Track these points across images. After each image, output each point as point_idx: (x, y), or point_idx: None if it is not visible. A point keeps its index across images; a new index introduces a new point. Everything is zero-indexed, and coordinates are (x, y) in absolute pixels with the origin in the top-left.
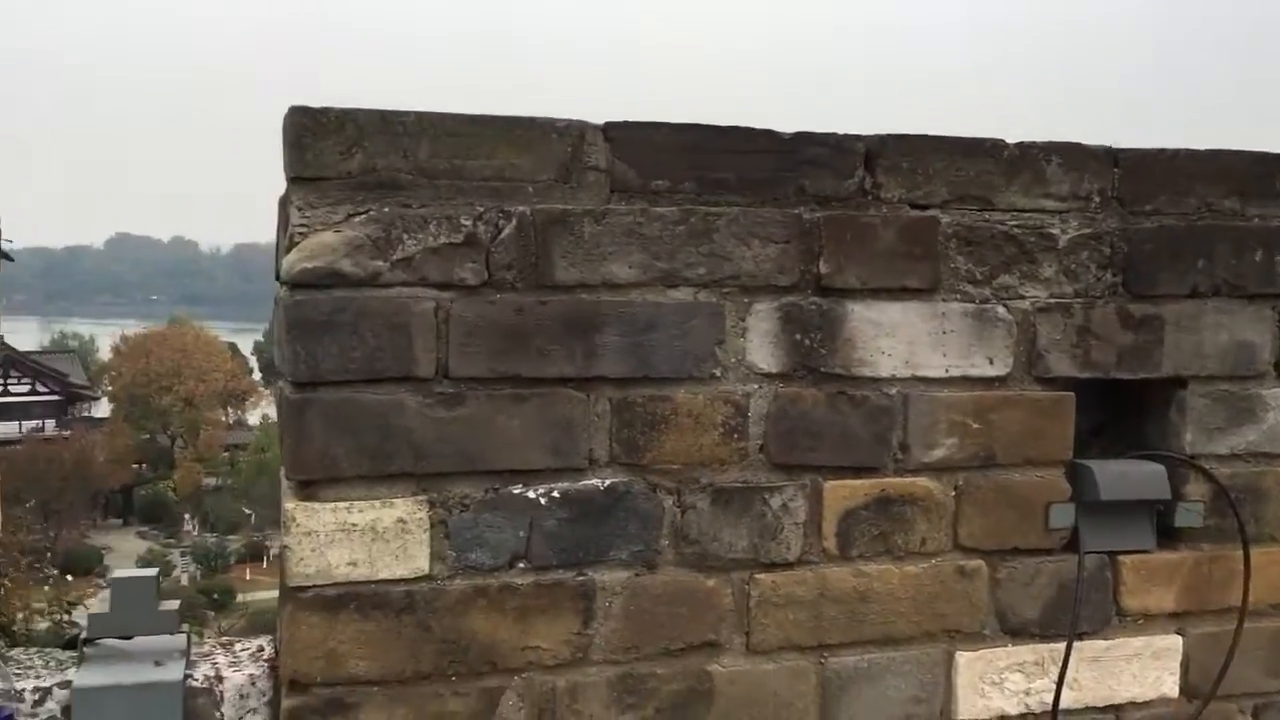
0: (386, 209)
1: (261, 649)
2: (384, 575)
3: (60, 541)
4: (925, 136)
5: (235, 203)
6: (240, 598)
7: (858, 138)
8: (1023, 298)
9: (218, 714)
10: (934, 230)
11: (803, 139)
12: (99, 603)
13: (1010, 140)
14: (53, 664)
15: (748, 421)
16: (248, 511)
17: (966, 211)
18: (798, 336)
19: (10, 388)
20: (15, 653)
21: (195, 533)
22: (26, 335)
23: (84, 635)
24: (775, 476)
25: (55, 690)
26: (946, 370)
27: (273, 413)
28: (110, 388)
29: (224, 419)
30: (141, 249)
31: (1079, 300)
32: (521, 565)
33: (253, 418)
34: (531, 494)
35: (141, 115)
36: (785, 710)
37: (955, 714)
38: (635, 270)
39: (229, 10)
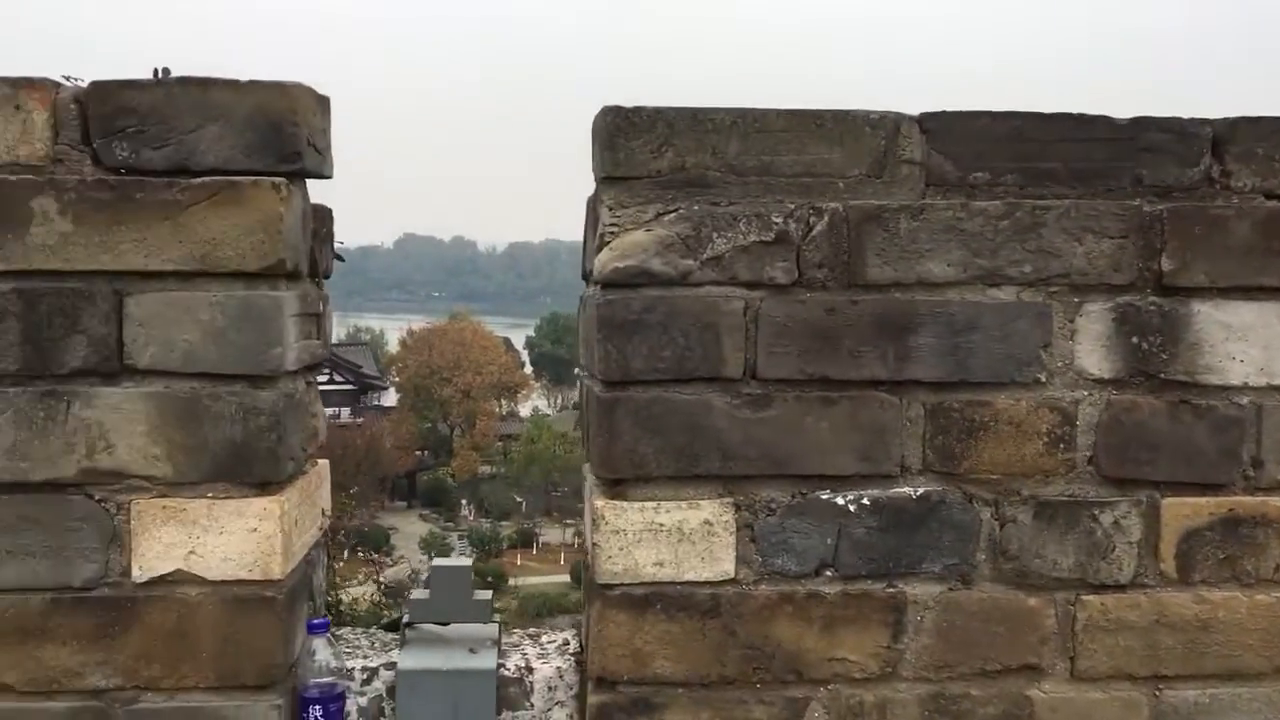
0: (696, 207)
1: (567, 642)
2: (690, 577)
3: (354, 520)
4: None
5: (510, 204)
6: (511, 581)
7: (1204, 122)
8: None
9: (528, 704)
10: None
11: (1141, 124)
12: (418, 589)
13: None
14: (378, 645)
15: (1076, 431)
16: (519, 499)
17: None
18: (1134, 339)
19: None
20: (344, 632)
21: (471, 517)
22: None
23: (406, 619)
24: (1106, 491)
25: (381, 671)
26: None
27: (543, 405)
28: (397, 378)
29: (498, 410)
30: (425, 248)
31: None
32: (829, 573)
33: (524, 409)
34: (840, 500)
35: (423, 123)
36: None
37: None
38: (954, 268)
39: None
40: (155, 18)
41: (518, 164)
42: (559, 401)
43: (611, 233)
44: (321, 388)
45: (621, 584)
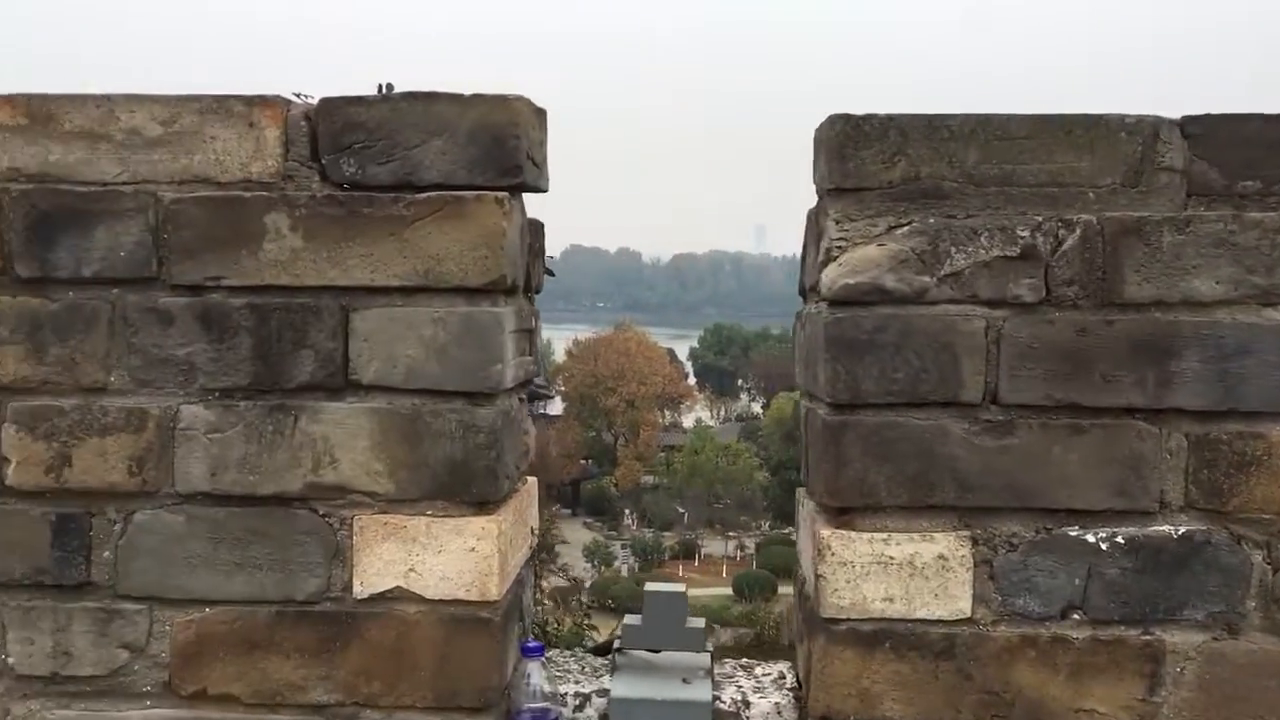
0: (932, 220)
1: (783, 676)
2: (922, 614)
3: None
4: None
5: (675, 216)
6: None
7: None
8: None
9: None
10: None
11: None
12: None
13: None
14: (588, 670)
15: None
16: (681, 510)
17: None
18: None
19: None
20: (553, 654)
21: (634, 527)
22: None
23: (618, 644)
24: None
25: (594, 697)
26: None
27: (706, 416)
28: (563, 388)
29: (661, 420)
30: (591, 259)
31: None
32: (1076, 616)
33: (687, 420)
34: (1090, 537)
35: (590, 136)
36: None
37: None
38: (1224, 286)
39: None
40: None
41: (683, 176)
42: (722, 413)
43: (839, 247)
44: None
45: (848, 619)
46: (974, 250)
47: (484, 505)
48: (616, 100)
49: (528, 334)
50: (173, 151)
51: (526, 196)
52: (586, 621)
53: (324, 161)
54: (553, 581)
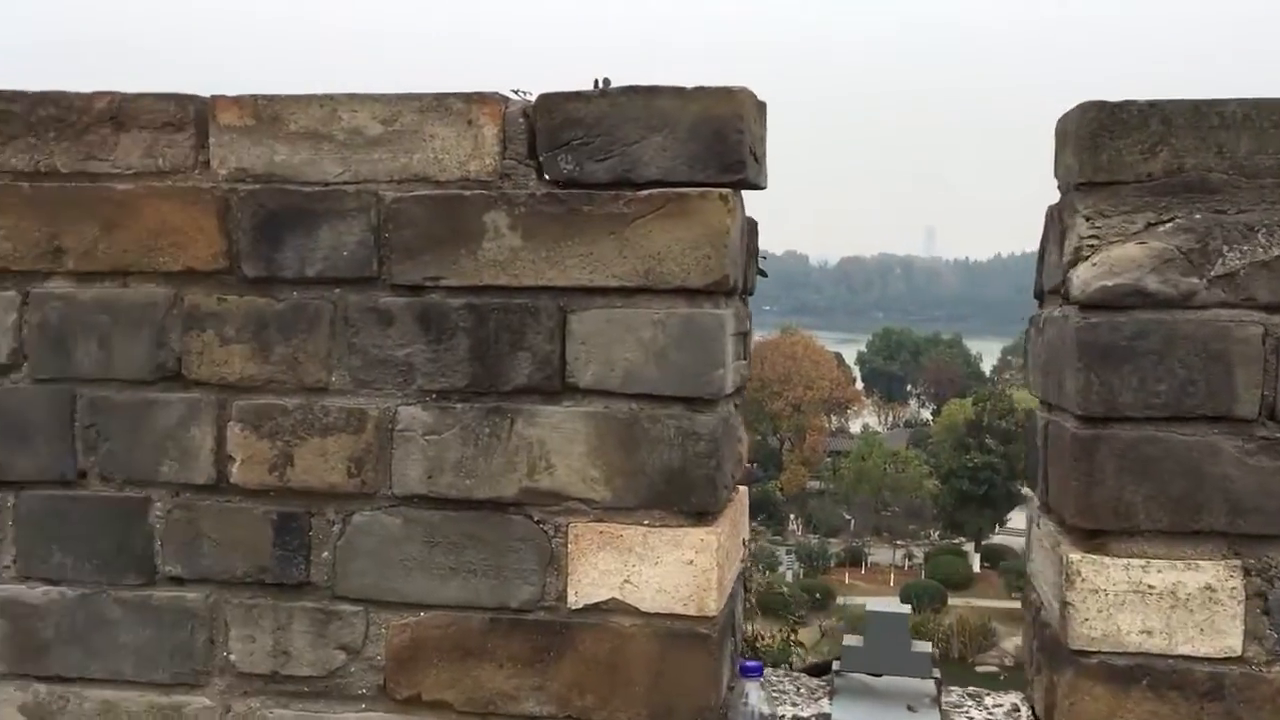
0: (1198, 215)
1: (1016, 709)
2: (1184, 650)
3: None
4: None
5: (842, 218)
6: (839, 600)
7: None
8: None
9: None
10: None
11: None
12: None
13: None
14: (804, 691)
15: None
16: (847, 517)
17: None
18: None
19: None
20: (767, 674)
21: (798, 532)
22: None
23: (836, 666)
24: None
25: None
26: None
27: (873, 422)
28: None
29: (827, 425)
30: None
31: None
32: None
33: (854, 426)
34: None
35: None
36: None
37: None
38: None
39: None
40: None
41: (850, 178)
42: (890, 419)
43: (1091, 246)
44: None
45: (1100, 652)
46: (1250, 249)
47: (702, 516)
48: (784, 100)
49: (744, 337)
50: (392, 150)
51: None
52: (793, 636)
53: (541, 159)
54: None
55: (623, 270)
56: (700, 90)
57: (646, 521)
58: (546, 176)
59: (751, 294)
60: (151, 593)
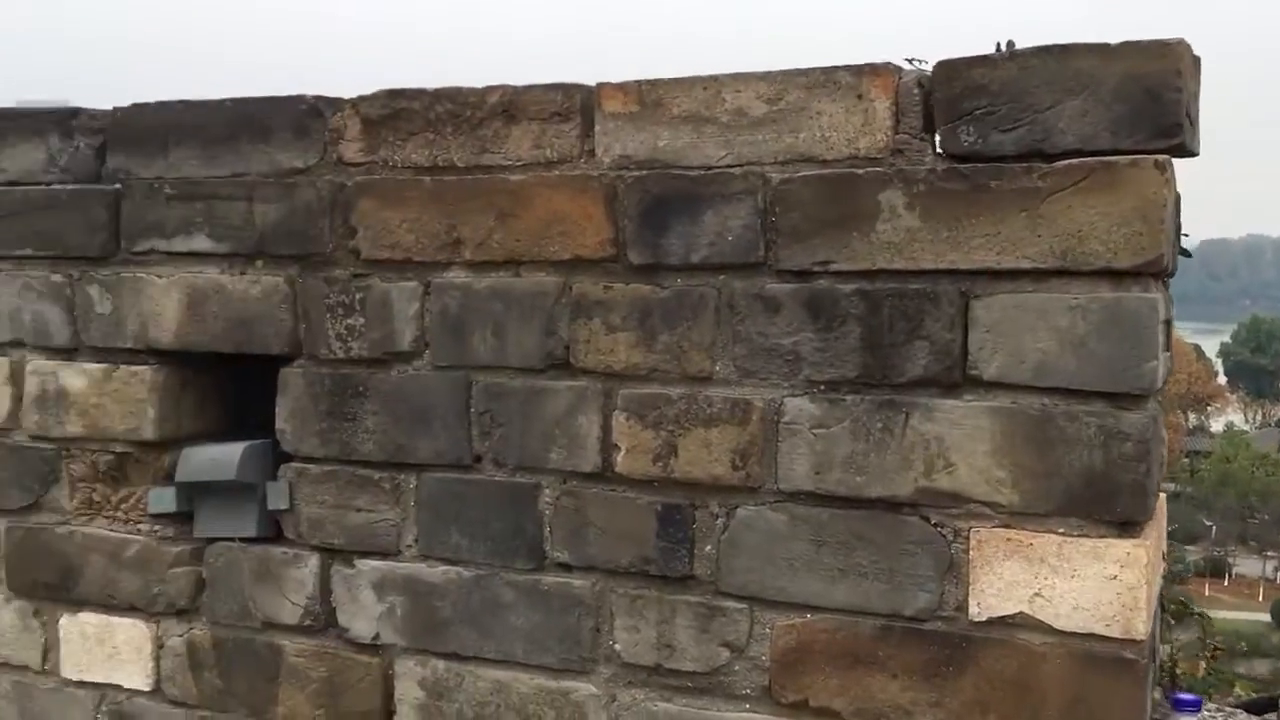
0: None
1: None
2: None
3: None
4: None
5: (1205, 197)
6: (1196, 612)
7: None
8: None
9: None
10: None
11: None
12: None
13: None
14: None
15: None
16: (1208, 523)
17: None
18: None
19: None
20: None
21: None
22: None
23: None
24: None
25: None
26: None
27: (1238, 420)
28: None
29: (1184, 423)
30: None
31: None
32: None
33: (1215, 424)
34: None
35: None
36: None
37: None
38: None
39: None
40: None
41: (1216, 152)
42: (1259, 417)
43: None
44: None
45: None
46: None
47: (1128, 526)
48: None
49: (1168, 325)
50: (777, 130)
51: None
52: (1213, 663)
53: (939, 132)
54: None
55: (1035, 250)
56: (1128, 45)
57: (1061, 530)
58: (943, 151)
59: (1171, 275)
60: (541, 578)
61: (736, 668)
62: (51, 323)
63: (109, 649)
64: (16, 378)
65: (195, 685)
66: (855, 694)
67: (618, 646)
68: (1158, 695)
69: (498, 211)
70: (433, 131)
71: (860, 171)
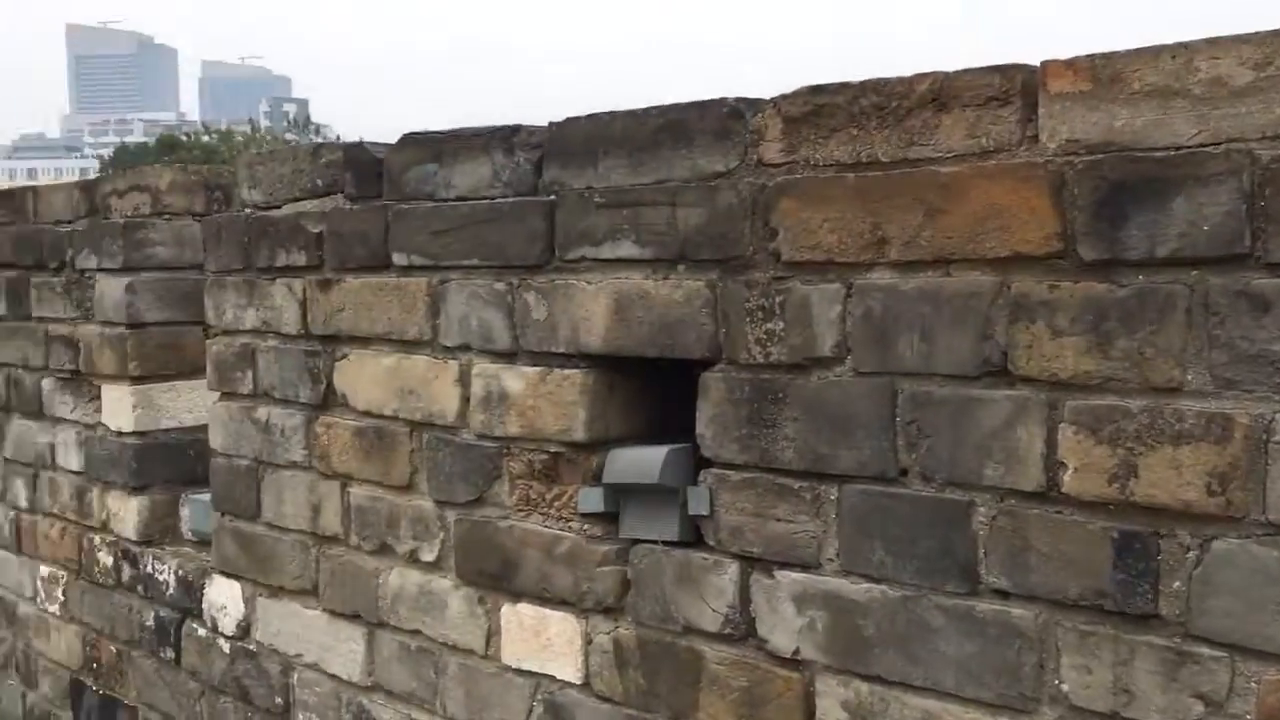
0: None
1: None
2: None
3: None
4: None
5: None
6: None
7: None
8: None
9: None
10: None
11: None
12: None
13: None
14: None
15: None
16: None
17: None
18: None
19: None
20: None
21: None
22: None
23: None
24: None
25: None
26: None
27: None
28: None
29: None
30: None
31: None
32: None
33: None
34: None
35: None
36: None
37: None
38: None
39: None
40: None
41: None
42: None
43: None
44: None
45: None
46: None
47: None
48: None
49: None
50: (1265, 100)
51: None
52: None
53: None
54: None
55: None
56: None
57: None
58: None
59: None
60: (975, 604)
61: None
62: (494, 328)
63: (543, 640)
64: (464, 380)
65: (620, 683)
66: None
67: (1065, 687)
68: None
69: (926, 207)
70: (856, 126)
71: None
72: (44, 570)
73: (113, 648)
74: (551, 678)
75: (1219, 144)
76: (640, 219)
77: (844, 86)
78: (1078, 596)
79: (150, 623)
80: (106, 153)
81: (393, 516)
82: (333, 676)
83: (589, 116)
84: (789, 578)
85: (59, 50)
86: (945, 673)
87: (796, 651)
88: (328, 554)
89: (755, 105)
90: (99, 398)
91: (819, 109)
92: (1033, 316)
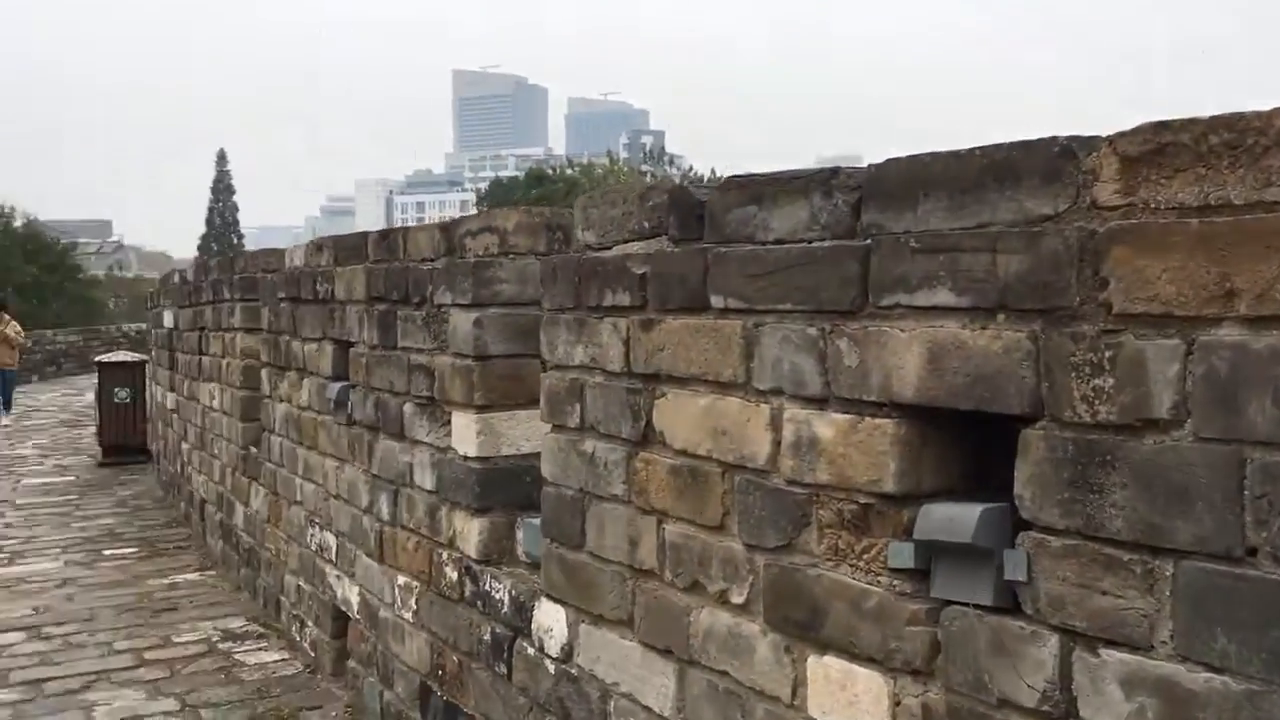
0: None
1: None
2: None
3: None
4: None
5: None
6: None
7: None
8: None
9: None
10: None
11: None
12: None
13: None
14: None
15: None
16: None
17: None
18: None
19: None
20: None
21: None
22: None
23: None
24: None
25: None
26: None
27: None
28: None
29: None
30: None
31: None
32: None
33: None
34: None
35: None
36: None
37: None
38: None
39: None
40: None
41: None
42: None
43: None
44: None
45: None
46: None
47: None
48: None
49: None
50: None
51: None
52: None
53: None
54: None
55: None
56: None
57: None
58: None
59: None
60: None
61: None
62: (806, 373)
63: (850, 696)
64: (776, 423)
65: None
66: None
67: None
68: None
69: None
70: (1204, 166)
71: None
72: (401, 579)
73: (455, 658)
74: None
75: None
76: (958, 265)
77: (1191, 122)
78: None
79: (487, 637)
80: (483, 186)
81: (704, 556)
82: (646, 709)
83: (909, 157)
84: (1116, 658)
85: (445, 94)
86: None
87: None
88: (643, 587)
89: (1089, 144)
90: (450, 423)
91: (1162, 148)
92: None
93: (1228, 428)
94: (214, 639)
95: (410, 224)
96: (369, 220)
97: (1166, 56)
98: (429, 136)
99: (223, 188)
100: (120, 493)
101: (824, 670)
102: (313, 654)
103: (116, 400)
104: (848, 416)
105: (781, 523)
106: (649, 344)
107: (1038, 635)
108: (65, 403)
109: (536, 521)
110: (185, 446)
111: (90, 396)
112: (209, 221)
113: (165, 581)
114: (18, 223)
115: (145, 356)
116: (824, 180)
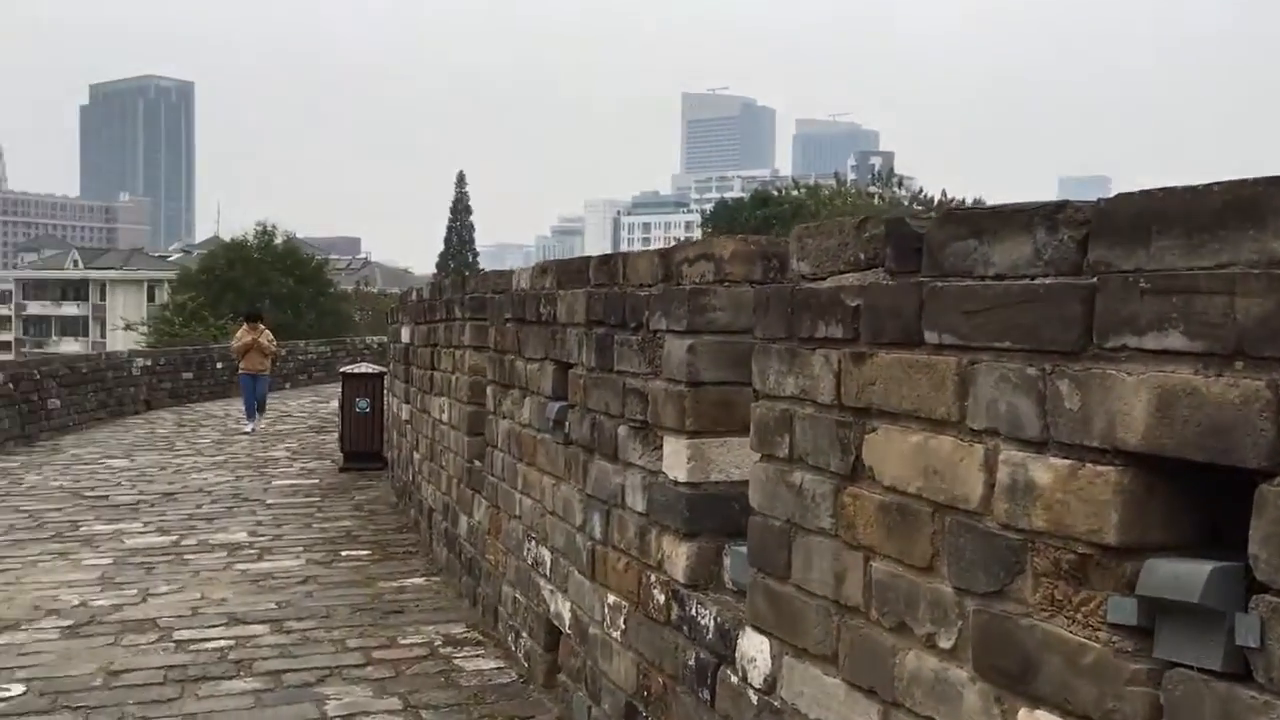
0: None
1: None
2: None
3: None
4: None
5: None
6: None
7: None
8: None
9: None
10: None
11: None
12: None
13: None
14: None
15: None
16: None
17: None
18: None
19: None
20: None
21: None
22: None
23: None
24: None
25: None
26: None
27: None
28: None
29: None
30: None
31: None
32: None
33: None
34: None
35: None
36: None
37: None
38: None
39: None
40: None
41: None
42: None
43: None
44: None
45: None
46: None
47: None
48: None
49: None
50: None
51: None
52: None
53: None
54: None
55: None
56: None
57: None
58: None
59: None
60: None
61: None
62: (1023, 414)
63: None
64: (990, 465)
65: None
66: None
67: None
68: None
69: None
70: None
71: None
72: (610, 598)
73: (660, 680)
74: None
75: None
76: (1191, 307)
77: None
78: None
79: (691, 663)
80: (708, 207)
81: (911, 597)
82: None
83: (1143, 193)
84: None
85: (675, 116)
86: None
87: None
88: (848, 624)
89: None
90: (661, 447)
91: None
92: None
93: None
94: (436, 643)
95: (636, 244)
96: (596, 239)
97: None
98: (656, 158)
99: (461, 208)
100: (358, 497)
101: None
102: (526, 664)
103: (357, 410)
104: (1067, 462)
105: (993, 568)
106: (860, 378)
107: (1271, 706)
108: (313, 409)
109: (743, 549)
110: (416, 457)
111: (334, 404)
112: (447, 240)
113: (395, 584)
114: (278, 240)
115: (384, 369)
116: (1049, 214)
